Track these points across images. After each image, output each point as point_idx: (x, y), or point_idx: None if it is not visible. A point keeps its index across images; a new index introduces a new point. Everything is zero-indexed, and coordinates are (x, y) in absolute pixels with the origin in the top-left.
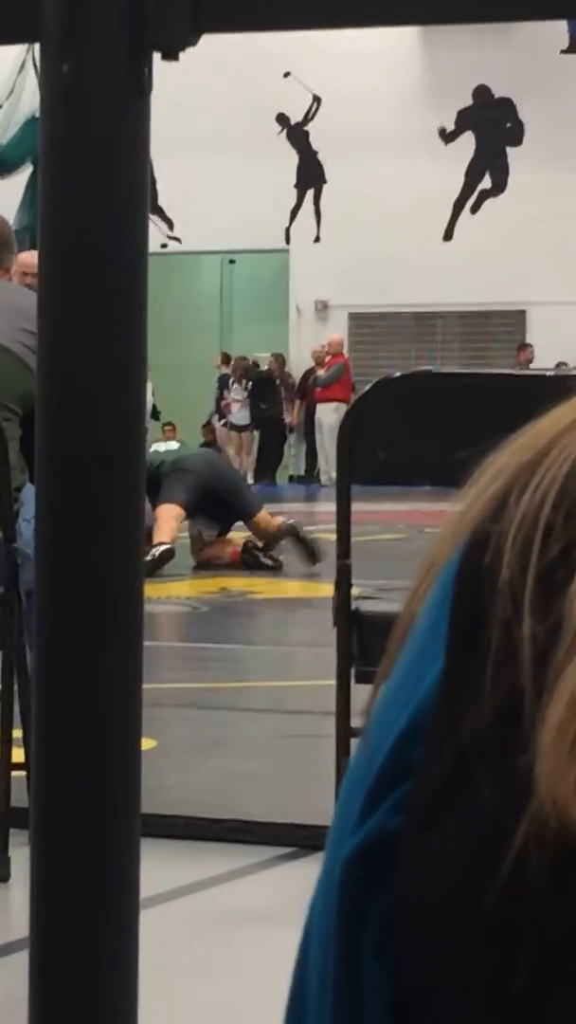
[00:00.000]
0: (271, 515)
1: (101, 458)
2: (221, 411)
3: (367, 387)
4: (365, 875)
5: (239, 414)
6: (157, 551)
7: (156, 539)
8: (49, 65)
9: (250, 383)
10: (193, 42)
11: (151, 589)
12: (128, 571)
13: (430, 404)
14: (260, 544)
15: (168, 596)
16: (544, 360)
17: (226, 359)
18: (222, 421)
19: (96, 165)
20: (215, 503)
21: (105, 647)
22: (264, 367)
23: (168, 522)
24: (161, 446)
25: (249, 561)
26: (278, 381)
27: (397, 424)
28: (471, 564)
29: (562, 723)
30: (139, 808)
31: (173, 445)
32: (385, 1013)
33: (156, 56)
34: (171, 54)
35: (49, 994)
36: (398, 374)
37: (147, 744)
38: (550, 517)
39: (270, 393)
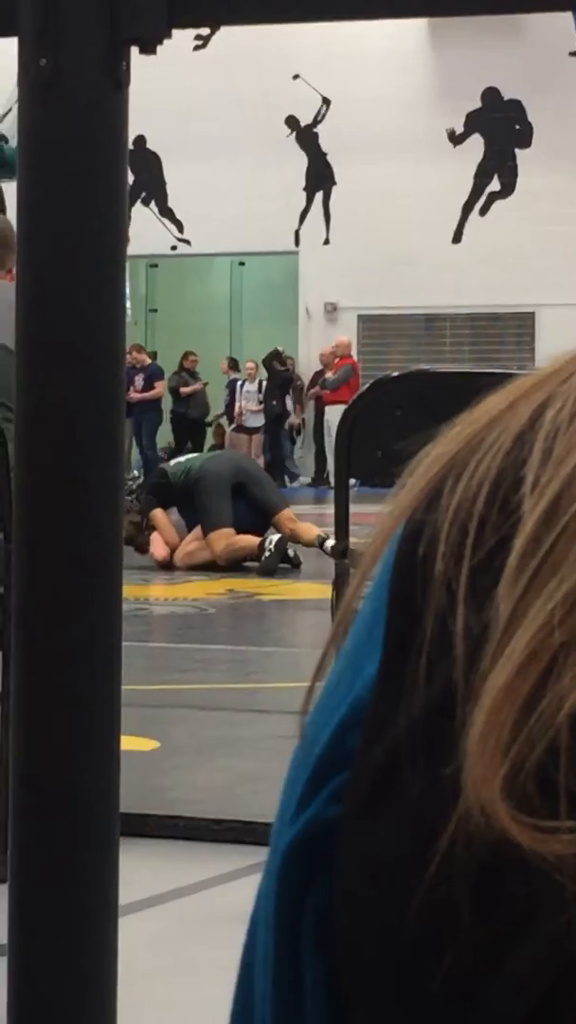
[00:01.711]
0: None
1: (79, 458)
2: (231, 416)
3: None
4: (303, 864)
5: (252, 417)
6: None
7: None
8: (26, 59)
9: (264, 382)
10: (169, 35)
11: (157, 591)
12: (106, 570)
13: (428, 403)
14: (276, 543)
15: (175, 598)
16: None
17: (233, 364)
18: (232, 425)
19: (74, 158)
20: (245, 499)
21: (83, 647)
22: (280, 364)
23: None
24: (182, 458)
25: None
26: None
27: (396, 423)
28: (406, 555)
29: (484, 731)
30: (117, 816)
31: (191, 455)
32: (324, 1000)
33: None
34: (148, 48)
35: (26, 1000)
36: (396, 374)
37: (150, 745)
38: (484, 508)
39: (285, 393)
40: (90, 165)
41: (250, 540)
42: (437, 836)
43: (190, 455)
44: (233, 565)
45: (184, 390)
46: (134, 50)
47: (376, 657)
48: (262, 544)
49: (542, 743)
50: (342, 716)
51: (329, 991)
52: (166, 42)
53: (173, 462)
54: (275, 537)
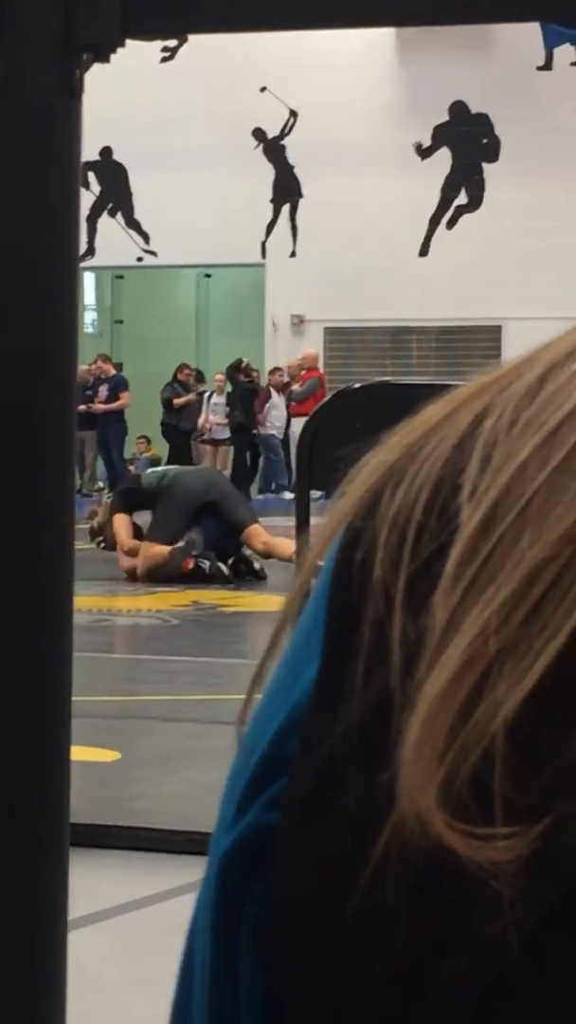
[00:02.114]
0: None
1: (29, 466)
2: (198, 428)
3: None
4: (241, 871)
5: (219, 430)
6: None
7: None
8: None
9: (226, 393)
10: (122, 43)
11: (122, 602)
12: (58, 578)
13: (389, 414)
14: (248, 556)
15: (139, 609)
16: None
17: (199, 377)
18: (200, 437)
19: (26, 166)
20: (215, 516)
21: (32, 655)
22: (244, 375)
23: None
24: (159, 468)
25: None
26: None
27: (356, 434)
28: (344, 562)
29: (419, 739)
30: (67, 827)
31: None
32: (260, 1008)
33: (130, 70)
34: (101, 56)
35: None
36: (357, 385)
37: (111, 756)
38: (423, 515)
39: (248, 405)
40: (42, 173)
41: (160, 550)
42: (372, 842)
43: (168, 466)
44: (155, 576)
45: (177, 401)
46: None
47: (315, 664)
48: (174, 551)
49: (477, 751)
50: (280, 723)
51: (265, 999)
52: (133, 53)
53: (149, 470)
54: (180, 544)
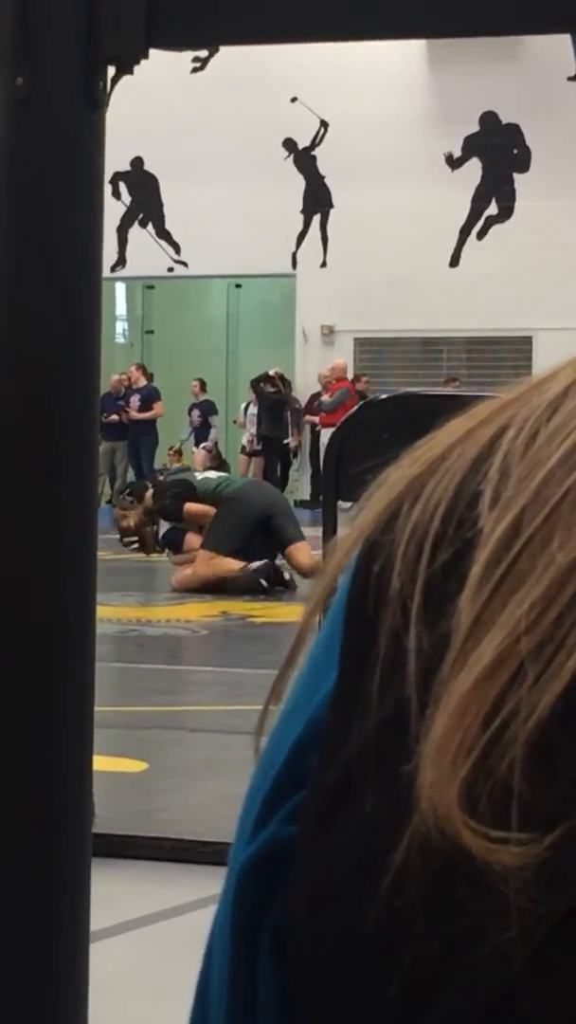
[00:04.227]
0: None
1: (52, 472)
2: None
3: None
4: (259, 884)
5: (255, 440)
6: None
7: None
8: (3, 77)
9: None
10: (146, 55)
11: (151, 612)
12: (80, 586)
13: (416, 425)
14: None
15: (168, 619)
16: None
17: (204, 387)
18: (247, 448)
19: (50, 178)
20: (266, 531)
21: (54, 664)
22: (271, 385)
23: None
24: (211, 474)
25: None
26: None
27: (384, 445)
28: (362, 574)
29: (445, 736)
30: (89, 838)
31: (222, 474)
32: (278, 1019)
33: (161, 80)
34: (125, 67)
35: None
36: (384, 396)
37: (138, 766)
38: (440, 526)
39: (276, 416)
40: (66, 184)
41: (230, 563)
42: (393, 847)
43: (221, 474)
44: (215, 587)
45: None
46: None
47: (332, 676)
48: (249, 571)
49: (502, 751)
50: (298, 737)
51: (283, 1012)
52: (164, 63)
53: (200, 476)
54: (257, 564)
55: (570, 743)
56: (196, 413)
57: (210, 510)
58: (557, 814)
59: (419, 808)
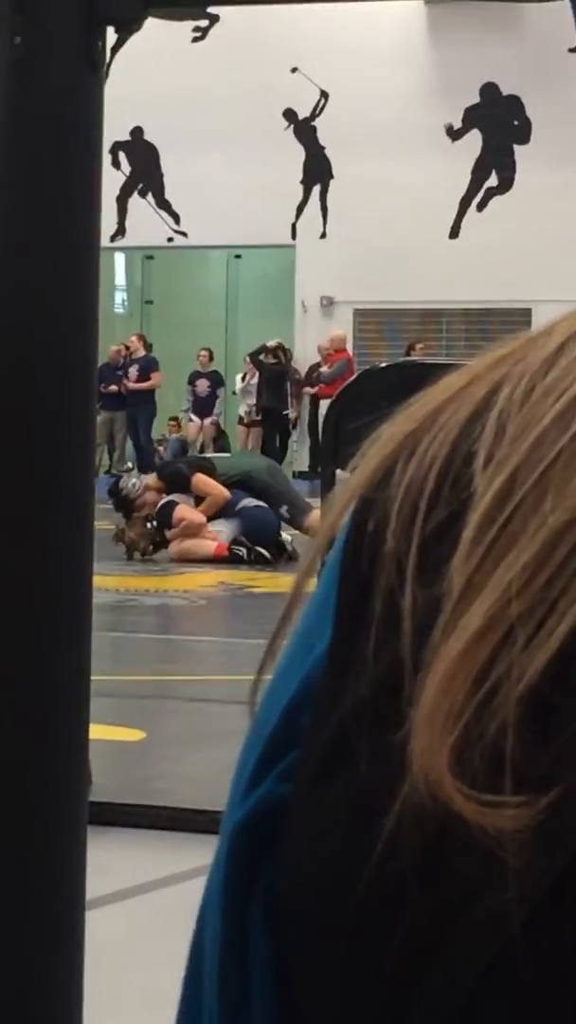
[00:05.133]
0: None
1: (48, 441)
2: (196, 409)
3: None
4: (252, 844)
5: (253, 411)
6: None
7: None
8: (0, 37)
9: (255, 377)
10: (144, 16)
11: (149, 582)
12: (77, 554)
13: (415, 394)
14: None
15: (166, 589)
16: None
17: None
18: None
19: (48, 138)
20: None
21: (49, 632)
22: (272, 356)
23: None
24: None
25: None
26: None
27: (382, 414)
28: (356, 532)
29: (434, 701)
30: (85, 809)
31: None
32: (270, 982)
33: (161, 50)
34: (123, 29)
35: None
36: (383, 365)
37: (136, 735)
38: (435, 485)
39: (276, 387)
40: (65, 146)
41: (207, 546)
42: (385, 810)
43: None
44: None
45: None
46: (137, 42)
47: (326, 635)
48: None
49: (492, 714)
50: (292, 695)
51: (276, 972)
52: (164, 33)
53: (215, 454)
54: (226, 534)
55: (563, 704)
56: (205, 383)
57: (221, 489)
58: (552, 775)
59: (411, 774)
